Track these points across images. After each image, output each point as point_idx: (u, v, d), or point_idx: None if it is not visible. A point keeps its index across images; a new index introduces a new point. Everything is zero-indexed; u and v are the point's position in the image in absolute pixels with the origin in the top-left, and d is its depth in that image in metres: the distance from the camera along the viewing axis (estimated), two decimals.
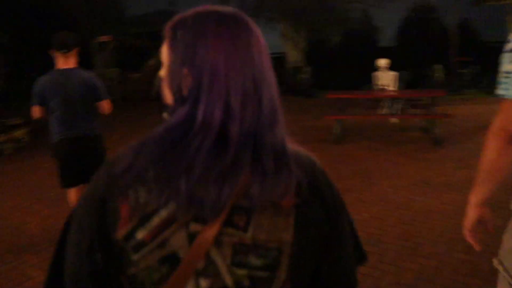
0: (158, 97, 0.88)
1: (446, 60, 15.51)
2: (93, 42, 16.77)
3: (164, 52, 0.81)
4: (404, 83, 10.36)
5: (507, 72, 1.40)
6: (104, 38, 15.74)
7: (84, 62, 13.50)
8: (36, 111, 3.76)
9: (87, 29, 17.11)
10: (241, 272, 0.74)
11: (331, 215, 0.82)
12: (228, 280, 0.74)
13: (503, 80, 1.42)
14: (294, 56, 16.70)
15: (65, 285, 0.80)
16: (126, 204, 0.73)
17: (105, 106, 3.86)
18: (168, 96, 0.80)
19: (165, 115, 0.79)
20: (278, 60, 18.05)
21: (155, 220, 0.73)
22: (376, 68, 9.55)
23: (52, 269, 0.84)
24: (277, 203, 0.75)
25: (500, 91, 1.43)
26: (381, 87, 9.32)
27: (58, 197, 5.17)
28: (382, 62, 9.40)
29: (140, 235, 0.73)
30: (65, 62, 3.72)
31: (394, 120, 9.27)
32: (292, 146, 0.83)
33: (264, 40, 0.81)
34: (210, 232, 0.72)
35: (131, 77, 15.49)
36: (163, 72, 0.82)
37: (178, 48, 0.77)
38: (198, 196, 0.71)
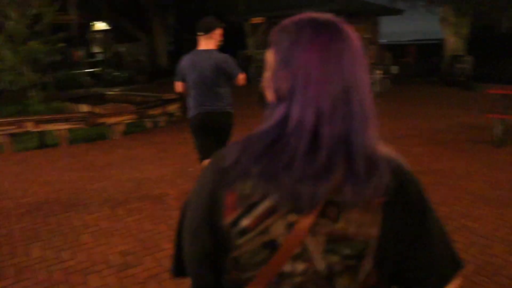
0: (261, 97, 0.95)
1: None
2: (247, 24, 17.39)
3: (269, 55, 0.88)
4: None
5: None
6: (256, 20, 16.16)
7: (239, 43, 14.04)
8: (178, 86, 4.25)
9: (243, 11, 17.77)
10: (333, 258, 0.82)
11: (416, 216, 0.86)
12: (321, 265, 0.82)
13: None
14: (453, 43, 15.15)
15: (185, 263, 0.96)
16: (232, 195, 0.83)
17: (240, 79, 4.16)
18: (269, 96, 0.88)
19: (266, 113, 0.86)
20: (435, 47, 16.62)
21: (258, 210, 0.82)
22: None
23: (175, 251, 0.99)
24: (366, 201, 0.81)
25: None
26: None
27: (195, 174, 5.44)
28: None
29: (245, 222, 0.83)
30: (204, 43, 4.07)
31: None
32: (382, 148, 0.87)
33: (361, 46, 0.85)
34: (306, 222, 0.80)
35: None
36: (267, 73, 0.89)
37: (279, 52, 0.85)
38: (297, 191, 0.78)
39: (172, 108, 9.34)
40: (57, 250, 3.67)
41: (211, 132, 4.12)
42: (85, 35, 19.72)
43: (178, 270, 0.99)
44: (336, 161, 0.79)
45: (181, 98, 9.10)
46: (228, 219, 0.84)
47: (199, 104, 4.06)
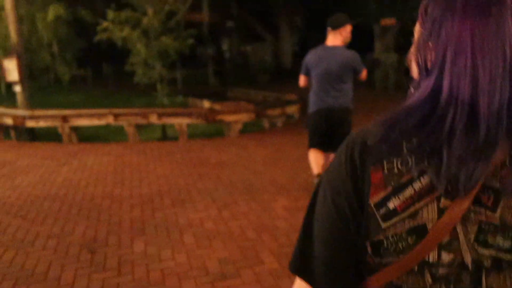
0: (407, 72, 0.87)
1: None
2: (376, 25, 16.56)
3: (416, 28, 0.83)
4: None
5: None
6: (387, 22, 15.28)
7: (367, 45, 13.42)
8: (301, 80, 4.37)
9: (373, 12, 16.97)
10: (485, 251, 0.72)
11: None
12: (467, 257, 0.73)
13: None
14: None
15: (315, 248, 0.83)
16: (379, 173, 0.76)
17: (363, 74, 4.24)
18: (414, 71, 0.82)
19: (411, 89, 0.81)
20: None
21: (409, 191, 0.74)
22: None
23: (300, 243, 0.86)
24: None
25: None
26: None
27: (307, 181, 5.07)
28: None
29: (392, 204, 0.75)
30: (332, 39, 4.13)
31: None
32: None
33: None
34: (460, 208, 0.72)
35: None
36: (412, 48, 0.83)
37: (427, 23, 0.79)
38: (454, 172, 0.70)
39: (291, 109, 9.09)
40: (159, 247, 3.58)
41: (328, 126, 4.24)
42: (215, 34, 20.55)
43: (301, 267, 0.85)
44: (495, 139, 0.70)
45: (301, 99, 8.81)
46: (374, 199, 0.76)
47: (321, 99, 4.14)
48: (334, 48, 4.09)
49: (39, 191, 5.11)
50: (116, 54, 11.77)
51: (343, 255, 0.81)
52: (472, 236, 0.73)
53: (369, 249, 0.78)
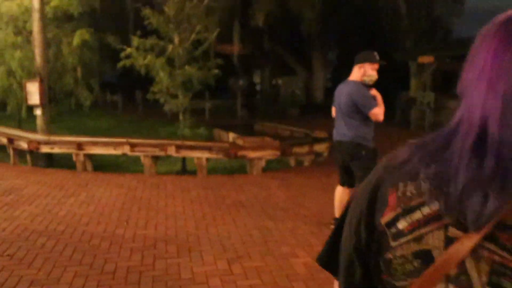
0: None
1: None
2: (413, 63, 15.97)
3: None
4: None
5: None
6: (424, 60, 14.65)
7: (403, 83, 12.82)
8: (332, 110, 4.50)
9: (410, 49, 16.42)
10: None
11: None
12: None
13: None
14: None
15: (339, 256, 0.87)
16: (394, 194, 0.76)
17: (372, 114, 4.07)
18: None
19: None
20: None
21: (417, 215, 0.73)
22: None
23: (330, 240, 0.92)
24: None
25: None
26: None
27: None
28: None
29: (401, 225, 0.74)
30: (353, 74, 4.23)
31: None
32: None
33: None
34: (468, 242, 0.66)
35: (447, 104, 13.70)
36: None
37: (469, 51, 0.79)
38: (464, 202, 0.66)
39: (320, 147, 8.47)
40: None
41: (343, 160, 4.36)
42: (247, 66, 20.35)
43: (325, 261, 0.92)
44: (508, 171, 0.63)
45: (331, 137, 8.24)
46: (386, 218, 0.75)
47: (337, 132, 4.33)
48: (348, 82, 4.23)
49: (37, 225, 4.67)
50: (148, 81, 11.61)
51: (353, 258, 0.82)
52: (485, 277, 0.65)
53: (384, 266, 0.76)
